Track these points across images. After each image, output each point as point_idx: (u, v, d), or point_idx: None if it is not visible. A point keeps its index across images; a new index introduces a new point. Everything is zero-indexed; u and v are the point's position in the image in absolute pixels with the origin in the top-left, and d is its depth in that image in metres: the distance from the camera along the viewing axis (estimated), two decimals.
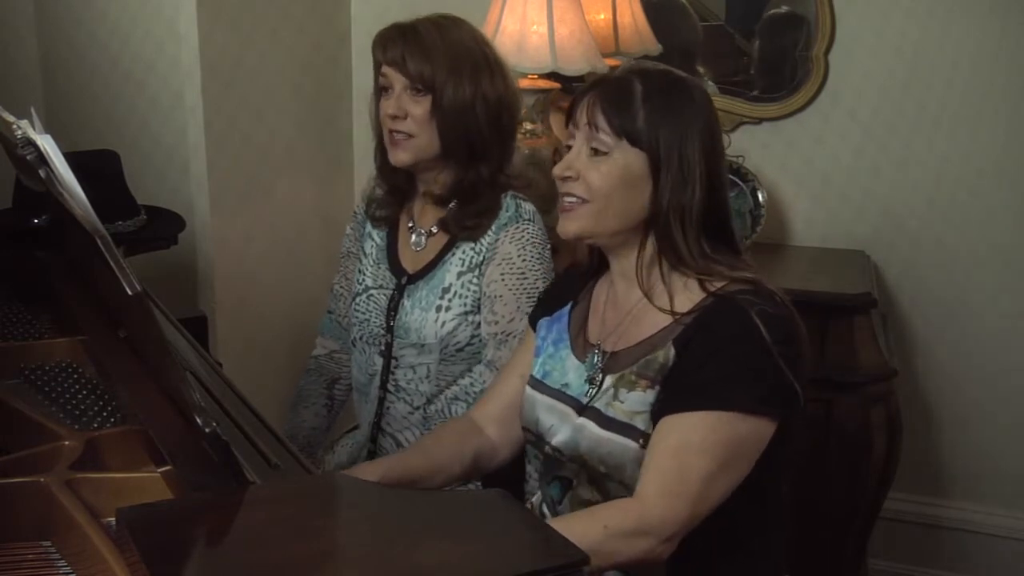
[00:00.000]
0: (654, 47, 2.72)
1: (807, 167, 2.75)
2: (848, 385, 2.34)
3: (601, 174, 1.53)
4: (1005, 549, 2.75)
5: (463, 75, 1.89)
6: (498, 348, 1.91)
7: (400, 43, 1.90)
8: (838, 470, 2.36)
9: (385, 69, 1.92)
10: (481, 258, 1.94)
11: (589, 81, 1.63)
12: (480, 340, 1.95)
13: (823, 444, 2.35)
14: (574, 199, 1.56)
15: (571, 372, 1.64)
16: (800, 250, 2.76)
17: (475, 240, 1.94)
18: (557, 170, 1.58)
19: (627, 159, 1.53)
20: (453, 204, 1.96)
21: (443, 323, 1.93)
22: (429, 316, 1.94)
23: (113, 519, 1.17)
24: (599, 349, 1.61)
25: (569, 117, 1.61)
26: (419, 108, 1.89)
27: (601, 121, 1.53)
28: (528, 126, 2.51)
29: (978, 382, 2.71)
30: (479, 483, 1.90)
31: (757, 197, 2.68)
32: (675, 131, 1.52)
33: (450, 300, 1.94)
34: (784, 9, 2.77)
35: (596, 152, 1.54)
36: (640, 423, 1.51)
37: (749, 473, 1.48)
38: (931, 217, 2.68)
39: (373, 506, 1.18)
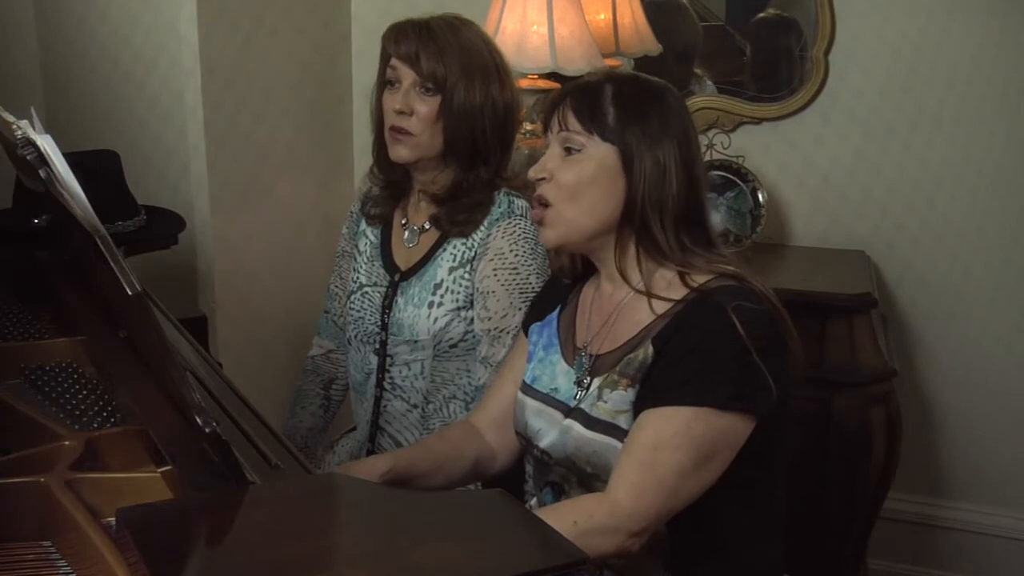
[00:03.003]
0: (654, 47, 2.72)
1: (807, 167, 2.75)
2: (848, 385, 2.34)
3: (574, 172, 1.55)
4: (1004, 549, 2.75)
5: (474, 79, 1.88)
6: (492, 344, 1.91)
7: (415, 39, 1.89)
8: (838, 470, 2.37)
9: (395, 63, 1.91)
10: (472, 253, 1.93)
11: (560, 88, 1.64)
12: (474, 336, 1.95)
13: (823, 444, 2.35)
14: (541, 203, 1.58)
15: (560, 376, 1.64)
16: (800, 250, 2.76)
17: (466, 236, 1.94)
18: (531, 172, 1.60)
19: (600, 154, 1.54)
20: (447, 202, 1.96)
21: (435, 319, 1.93)
22: (422, 312, 1.94)
23: (113, 519, 1.17)
24: (586, 352, 1.62)
25: (544, 125, 1.63)
26: (426, 107, 1.89)
27: (572, 121, 1.55)
28: (528, 126, 2.51)
29: (978, 382, 2.71)
30: (479, 483, 1.90)
31: (757, 197, 2.68)
32: (646, 129, 1.54)
33: (442, 296, 1.94)
34: (781, 11, 2.77)
35: (569, 151, 1.56)
36: (623, 422, 1.51)
37: (744, 473, 1.48)
38: (931, 217, 2.68)
39: (373, 506, 1.18)
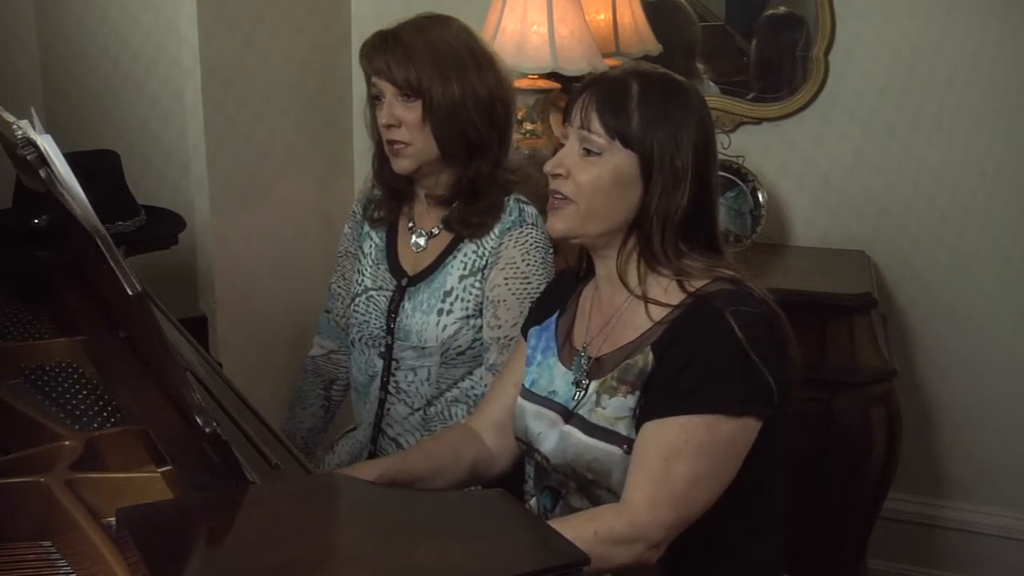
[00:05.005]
0: (654, 47, 2.72)
1: (807, 167, 2.75)
2: (848, 385, 2.34)
3: (591, 175, 1.54)
4: (1004, 549, 2.75)
5: (449, 74, 1.88)
6: (501, 352, 1.91)
7: (382, 51, 1.90)
8: (838, 470, 2.36)
9: (374, 79, 1.92)
10: (484, 262, 1.94)
11: (586, 80, 1.63)
12: (481, 344, 1.94)
13: (823, 444, 2.35)
14: (560, 196, 1.57)
15: (558, 379, 1.64)
16: (800, 250, 2.76)
17: (478, 240, 1.94)
18: (548, 166, 1.59)
19: (618, 161, 1.53)
20: (456, 203, 1.96)
21: (444, 327, 1.93)
22: (430, 319, 1.94)
23: (113, 519, 1.17)
24: (584, 354, 1.61)
25: (565, 115, 1.61)
26: (411, 114, 1.89)
27: (595, 122, 1.53)
28: (528, 126, 2.51)
29: (978, 382, 2.71)
30: (479, 484, 1.90)
31: (757, 197, 2.68)
32: (669, 135, 1.52)
33: (452, 304, 1.94)
34: (783, 9, 2.78)
35: (588, 152, 1.54)
36: (622, 428, 1.51)
37: (743, 474, 1.48)
38: (931, 217, 2.68)
39: (373, 506, 1.18)
